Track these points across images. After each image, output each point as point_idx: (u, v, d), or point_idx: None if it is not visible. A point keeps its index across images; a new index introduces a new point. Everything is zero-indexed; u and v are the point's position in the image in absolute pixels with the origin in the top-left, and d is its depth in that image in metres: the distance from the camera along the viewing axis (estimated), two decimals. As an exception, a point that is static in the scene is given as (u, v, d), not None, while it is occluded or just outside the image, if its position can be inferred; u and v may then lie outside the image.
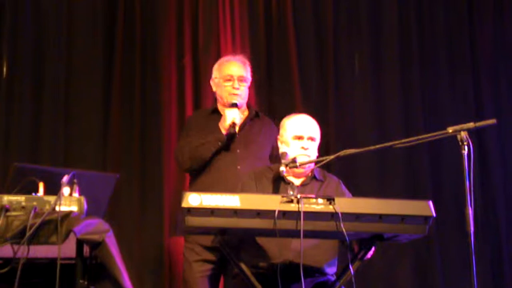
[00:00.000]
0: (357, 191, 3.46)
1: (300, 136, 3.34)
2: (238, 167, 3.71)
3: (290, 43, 4.91)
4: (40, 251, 2.58)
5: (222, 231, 2.81)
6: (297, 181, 3.36)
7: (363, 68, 5.04)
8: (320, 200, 2.74)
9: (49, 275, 2.58)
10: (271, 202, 2.71)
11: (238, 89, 3.84)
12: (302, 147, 3.31)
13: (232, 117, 3.70)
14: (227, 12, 4.87)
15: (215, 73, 3.95)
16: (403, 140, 3.03)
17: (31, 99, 4.62)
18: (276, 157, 3.84)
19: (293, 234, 2.74)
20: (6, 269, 2.43)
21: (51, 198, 2.51)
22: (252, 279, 2.94)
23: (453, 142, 2.81)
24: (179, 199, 2.67)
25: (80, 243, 2.58)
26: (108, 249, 2.50)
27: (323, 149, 3.62)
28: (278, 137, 3.46)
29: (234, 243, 3.04)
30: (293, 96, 4.84)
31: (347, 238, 2.77)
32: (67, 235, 2.45)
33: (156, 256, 4.55)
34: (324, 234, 2.91)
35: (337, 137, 4.77)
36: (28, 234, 2.39)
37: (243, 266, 2.95)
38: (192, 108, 4.69)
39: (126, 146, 4.67)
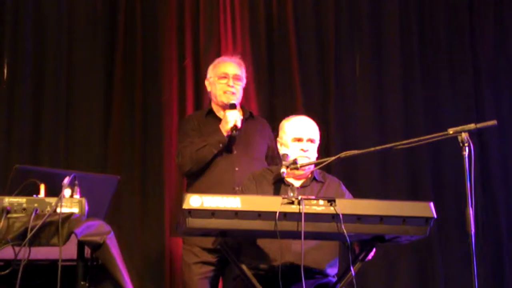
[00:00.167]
0: (358, 192, 3.46)
1: (299, 138, 3.34)
2: (236, 168, 3.69)
3: (291, 44, 4.91)
4: (41, 252, 2.57)
5: (223, 233, 2.81)
6: (297, 183, 3.35)
7: (364, 69, 5.04)
8: (321, 202, 2.74)
9: (50, 277, 2.57)
10: (272, 203, 2.72)
11: (233, 87, 3.80)
12: (302, 149, 3.31)
13: (234, 119, 3.65)
14: (228, 13, 4.86)
15: (210, 72, 3.93)
16: (404, 142, 3.03)
17: (32, 101, 4.62)
18: (271, 157, 3.84)
19: (294, 235, 2.75)
20: (7, 271, 2.43)
21: (52, 200, 2.50)
22: (253, 281, 2.93)
23: (454, 143, 2.82)
24: (180, 200, 2.67)
25: (81, 245, 2.57)
26: (109, 251, 2.50)
27: (323, 150, 3.62)
28: (278, 139, 3.46)
29: (234, 245, 3.04)
30: (294, 97, 4.84)
31: (348, 240, 2.76)
32: (68, 237, 2.45)
33: (157, 257, 4.54)
34: (325, 236, 2.91)
35: (337, 138, 4.77)
36: (29, 235, 2.38)
37: (244, 268, 2.95)
38: (193, 110, 4.67)
39: (127, 148, 4.67)
